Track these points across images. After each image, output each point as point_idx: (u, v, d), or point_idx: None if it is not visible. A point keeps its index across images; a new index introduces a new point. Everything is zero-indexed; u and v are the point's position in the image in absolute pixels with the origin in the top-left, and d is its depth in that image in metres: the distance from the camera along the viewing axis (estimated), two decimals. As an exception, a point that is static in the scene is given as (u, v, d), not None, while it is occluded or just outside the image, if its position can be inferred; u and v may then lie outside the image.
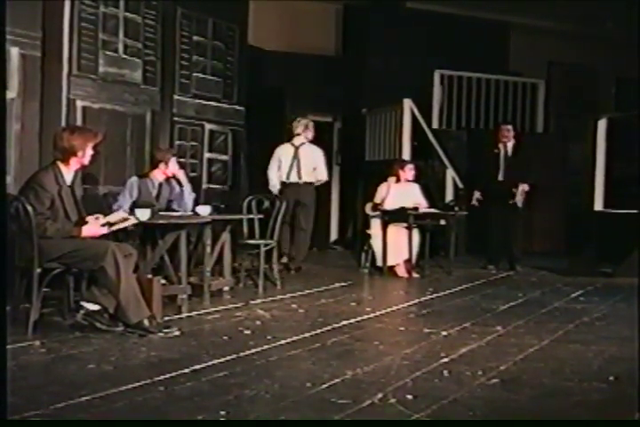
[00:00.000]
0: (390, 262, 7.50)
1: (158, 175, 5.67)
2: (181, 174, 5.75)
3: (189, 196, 5.73)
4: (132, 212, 5.13)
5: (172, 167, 5.67)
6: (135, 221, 4.74)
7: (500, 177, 8.06)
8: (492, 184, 8.09)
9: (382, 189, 7.68)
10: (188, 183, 5.78)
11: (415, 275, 7.43)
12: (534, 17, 10.83)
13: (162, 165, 5.64)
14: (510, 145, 8.09)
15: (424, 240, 7.64)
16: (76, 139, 4.47)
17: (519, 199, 7.94)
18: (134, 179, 5.64)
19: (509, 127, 8.15)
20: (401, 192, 7.62)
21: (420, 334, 4.67)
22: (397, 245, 7.45)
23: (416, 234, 7.54)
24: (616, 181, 9.10)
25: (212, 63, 7.40)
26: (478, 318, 5.19)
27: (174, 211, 5.62)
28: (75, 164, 4.52)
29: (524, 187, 7.91)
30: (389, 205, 7.55)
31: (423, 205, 7.62)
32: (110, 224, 4.56)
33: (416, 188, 7.77)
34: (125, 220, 4.64)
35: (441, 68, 10.16)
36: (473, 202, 8.19)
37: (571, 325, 5.02)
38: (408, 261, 7.45)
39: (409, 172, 7.68)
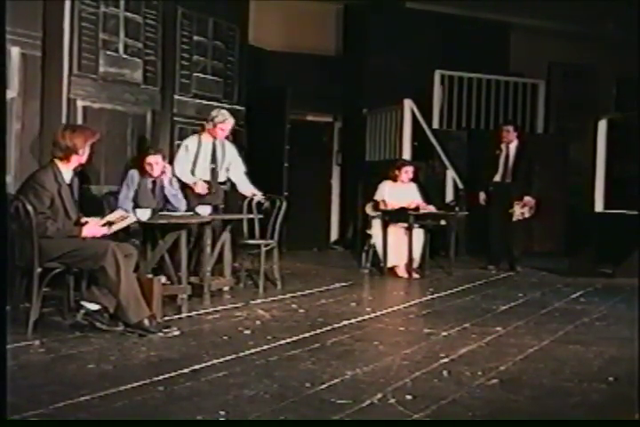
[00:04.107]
0: (391, 263, 7.51)
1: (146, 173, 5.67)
2: (165, 175, 5.71)
3: (173, 197, 5.67)
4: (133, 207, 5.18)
5: (156, 167, 5.62)
6: (134, 219, 4.74)
7: (501, 178, 8.05)
8: (493, 185, 8.09)
9: (382, 188, 7.68)
10: (169, 185, 5.73)
11: (415, 275, 7.43)
12: (535, 17, 10.82)
13: (144, 164, 5.64)
14: (513, 146, 8.07)
15: (425, 241, 7.63)
16: (78, 137, 4.49)
17: (519, 213, 7.90)
18: (134, 171, 5.67)
19: (509, 128, 8.11)
20: (399, 192, 7.63)
21: (419, 334, 4.67)
22: (398, 247, 7.45)
23: (421, 235, 7.53)
24: (616, 182, 9.10)
25: (212, 63, 7.40)
26: (478, 319, 5.19)
27: (169, 211, 5.62)
28: (74, 162, 4.53)
29: (527, 201, 7.88)
30: (390, 203, 7.56)
31: (422, 203, 7.61)
32: (110, 224, 4.56)
33: (414, 187, 7.77)
34: (125, 218, 4.64)
35: (441, 68, 10.15)
36: (481, 202, 8.16)
37: (571, 325, 5.02)
38: (408, 262, 7.44)
39: (404, 174, 7.67)
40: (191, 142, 6.24)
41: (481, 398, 3.25)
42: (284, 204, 6.54)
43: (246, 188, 6.44)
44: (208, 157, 6.24)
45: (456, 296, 6.31)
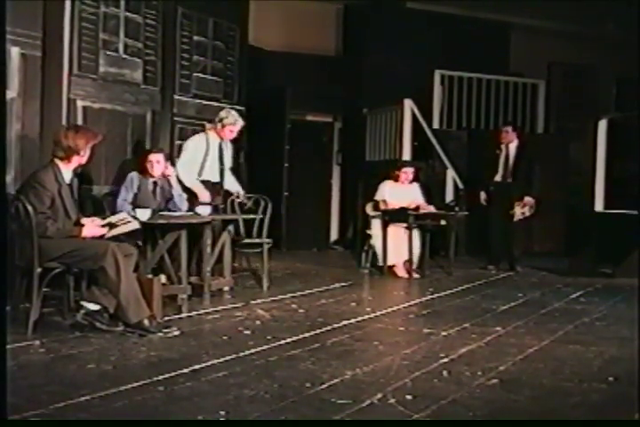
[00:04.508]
0: (390, 262, 7.51)
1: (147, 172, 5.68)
2: (171, 177, 5.72)
3: (179, 197, 5.70)
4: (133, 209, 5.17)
5: (156, 165, 5.63)
6: (137, 227, 4.71)
7: (502, 179, 8.05)
8: (493, 185, 8.09)
9: (383, 188, 7.68)
10: (177, 185, 5.75)
11: (415, 275, 7.43)
12: (535, 17, 10.83)
13: (146, 162, 5.64)
14: (513, 146, 8.07)
15: (424, 241, 7.62)
16: (80, 138, 4.49)
17: (519, 214, 7.90)
18: (134, 173, 5.66)
19: (508, 129, 8.11)
20: (400, 192, 7.63)
21: (419, 334, 4.67)
22: (397, 246, 7.45)
23: (417, 235, 7.54)
24: (616, 182, 9.10)
25: (212, 63, 7.40)
26: (478, 319, 5.19)
27: (170, 211, 5.62)
28: (75, 163, 4.53)
29: (527, 201, 7.88)
30: (390, 203, 7.56)
31: (423, 204, 7.62)
32: (111, 225, 4.55)
33: (415, 187, 7.77)
34: (127, 222, 4.62)
35: (441, 68, 10.16)
36: (482, 202, 8.16)
37: (570, 325, 5.02)
38: (408, 262, 7.44)
39: (403, 175, 7.67)
40: (199, 142, 6.09)
41: (481, 398, 3.25)
42: (270, 204, 6.54)
43: (233, 185, 6.38)
44: (216, 158, 6.13)
45: (456, 296, 6.31)
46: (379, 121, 9.98)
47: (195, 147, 6.08)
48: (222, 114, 6.11)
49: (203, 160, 6.06)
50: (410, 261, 7.43)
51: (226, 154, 6.24)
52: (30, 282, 4.29)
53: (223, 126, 6.05)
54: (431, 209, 7.65)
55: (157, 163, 5.60)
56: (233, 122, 6.05)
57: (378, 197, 7.68)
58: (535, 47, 11.08)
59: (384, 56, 10.22)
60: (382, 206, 7.60)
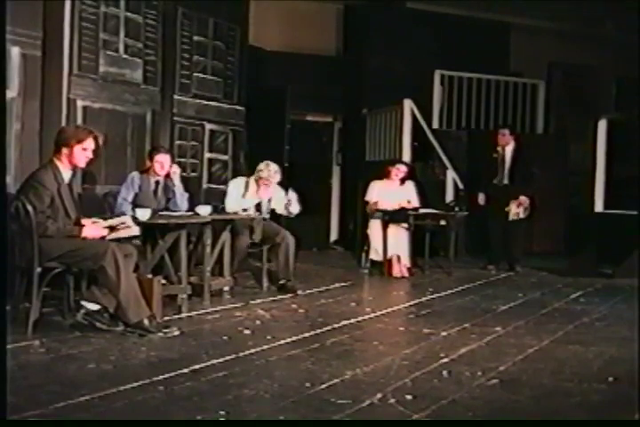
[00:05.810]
0: (380, 257, 7.46)
1: (153, 172, 5.68)
2: (175, 175, 5.74)
3: (181, 196, 5.72)
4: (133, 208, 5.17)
5: (162, 165, 5.64)
6: (137, 233, 4.69)
7: (499, 181, 8.06)
8: (491, 187, 8.10)
9: (372, 189, 7.68)
10: (179, 183, 5.77)
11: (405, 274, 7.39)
12: (535, 17, 10.82)
13: (153, 163, 5.64)
14: (509, 149, 8.08)
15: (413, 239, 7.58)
16: (63, 134, 4.45)
17: (514, 213, 7.91)
18: (135, 173, 5.67)
19: (505, 131, 8.13)
20: (392, 191, 7.62)
21: (419, 334, 4.67)
22: (391, 242, 7.42)
23: (404, 234, 7.52)
24: (616, 182, 9.10)
25: (212, 63, 7.40)
26: (478, 319, 5.19)
27: (170, 210, 5.62)
28: (66, 161, 4.43)
29: (522, 200, 7.89)
30: (382, 203, 7.54)
31: (414, 202, 7.58)
32: (112, 228, 4.54)
33: (410, 186, 7.75)
34: (127, 227, 4.60)
35: (441, 68, 10.16)
36: (480, 202, 8.16)
37: (570, 325, 5.02)
38: (401, 261, 7.43)
39: (393, 171, 7.66)
40: (238, 184, 6.44)
41: (480, 398, 3.26)
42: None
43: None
44: (254, 204, 6.42)
45: (456, 296, 6.31)
46: (378, 121, 9.98)
47: (233, 187, 6.44)
48: (260, 166, 6.40)
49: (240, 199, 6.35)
50: (405, 258, 7.43)
51: (265, 202, 6.49)
52: (30, 282, 4.29)
53: (259, 178, 6.37)
54: (414, 206, 7.57)
55: (165, 163, 5.61)
56: (266, 176, 6.34)
57: (367, 197, 7.68)
58: (535, 47, 11.07)
59: (384, 56, 10.21)
60: (373, 207, 7.56)
